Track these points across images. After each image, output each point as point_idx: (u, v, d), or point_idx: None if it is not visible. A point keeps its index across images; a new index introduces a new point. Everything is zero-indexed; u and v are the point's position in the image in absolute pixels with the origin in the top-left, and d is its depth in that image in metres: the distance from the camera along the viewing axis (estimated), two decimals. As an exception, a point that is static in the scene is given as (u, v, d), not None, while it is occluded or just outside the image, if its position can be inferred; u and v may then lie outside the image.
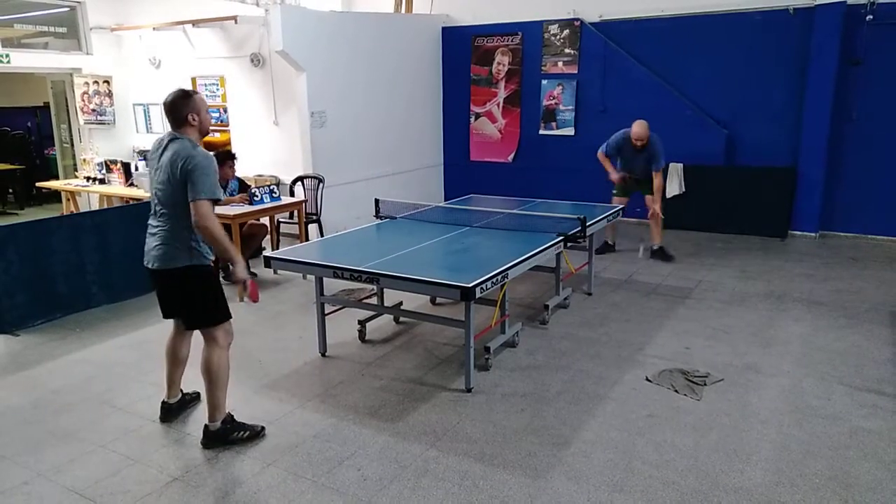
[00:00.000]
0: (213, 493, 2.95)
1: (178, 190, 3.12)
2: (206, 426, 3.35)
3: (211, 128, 3.33)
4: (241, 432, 3.36)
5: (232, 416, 3.40)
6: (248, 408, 3.73)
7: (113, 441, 3.41)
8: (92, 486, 3.02)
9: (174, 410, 3.63)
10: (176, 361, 3.59)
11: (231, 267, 3.30)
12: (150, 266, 3.28)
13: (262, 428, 3.45)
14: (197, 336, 3.44)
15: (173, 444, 3.37)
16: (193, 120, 3.20)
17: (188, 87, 8.55)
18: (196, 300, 3.30)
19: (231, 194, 6.21)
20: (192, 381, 3.68)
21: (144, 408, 3.76)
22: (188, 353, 3.61)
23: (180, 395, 3.68)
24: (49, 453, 3.31)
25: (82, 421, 3.63)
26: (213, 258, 3.31)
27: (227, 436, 3.33)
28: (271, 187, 6.37)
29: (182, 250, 3.20)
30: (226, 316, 3.36)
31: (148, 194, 6.78)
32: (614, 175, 6.61)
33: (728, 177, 7.68)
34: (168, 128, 3.29)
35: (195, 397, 3.78)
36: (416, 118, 8.99)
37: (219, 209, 5.74)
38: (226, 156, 6.22)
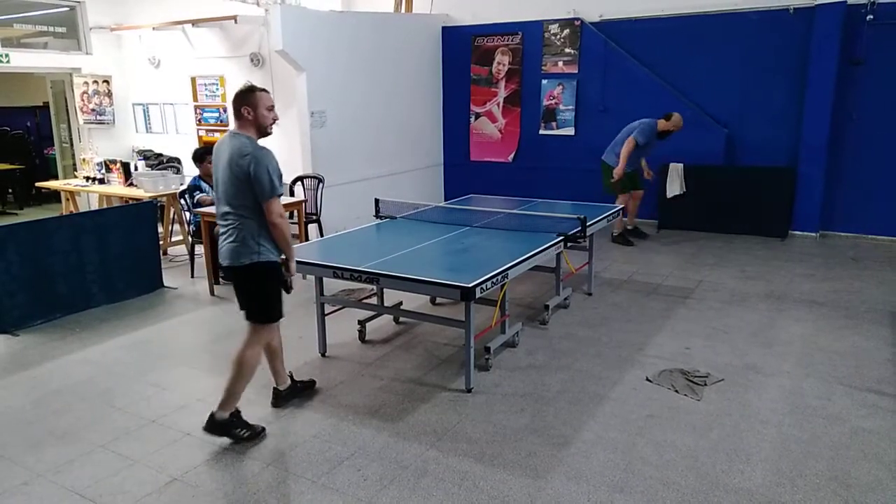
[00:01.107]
0: (212, 493, 2.95)
1: (241, 189, 3.17)
2: (212, 413, 3.35)
3: (271, 127, 3.34)
4: (244, 430, 3.38)
5: (239, 413, 3.43)
6: (249, 408, 3.72)
7: (113, 441, 3.41)
8: (92, 486, 3.02)
9: (285, 397, 3.72)
10: (272, 352, 3.65)
11: (287, 262, 3.41)
12: (222, 263, 3.36)
13: (263, 429, 3.46)
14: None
15: (173, 444, 3.37)
16: (248, 115, 3.22)
17: (189, 87, 8.61)
18: (257, 296, 3.37)
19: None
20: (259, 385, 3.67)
21: (144, 408, 3.76)
22: (280, 340, 3.68)
23: (289, 382, 3.75)
24: (49, 453, 3.31)
25: (82, 421, 3.63)
26: (280, 256, 3.37)
27: (229, 429, 3.35)
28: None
29: (247, 248, 3.26)
30: (279, 315, 3.46)
31: (148, 194, 6.87)
32: (620, 171, 6.94)
33: (728, 177, 7.68)
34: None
35: (309, 385, 3.88)
36: (416, 118, 8.99)
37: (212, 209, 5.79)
38: (207, 151, 6.19)
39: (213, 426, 3.35)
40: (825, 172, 7.28)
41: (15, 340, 4.86)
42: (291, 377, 3.81)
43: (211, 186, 6.14)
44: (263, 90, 3.32)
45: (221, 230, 3.35)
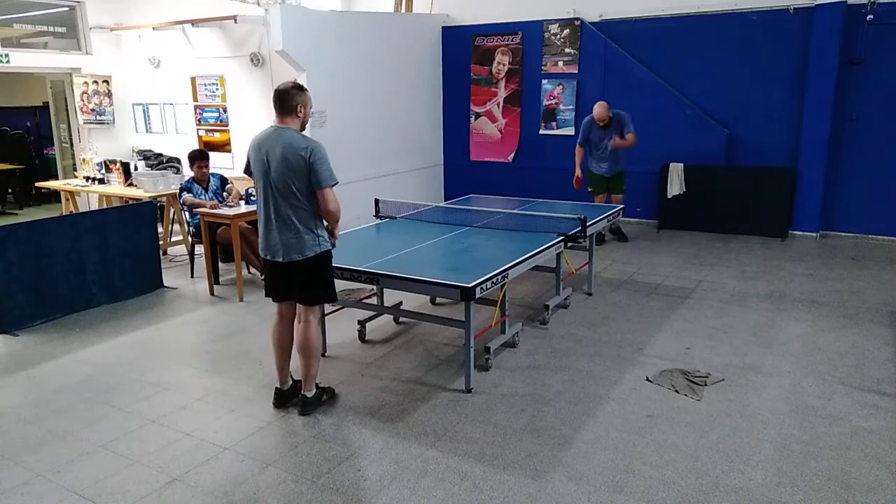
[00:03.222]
0: (213, 493, 2.95)
1: (299, 180, 3.28)
2: (303, 395, 3.62)
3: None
4: (326, 395, 3.73)
5: (318, 383, 3.70)
6: (249, 407, 3.73)
7: (113, 441, 3.40)
8: (92, 486, 3.02)
9: (286, 396, 3.73)
10: (283, 349, 3.68)
11: (333, 233, 3.58)
12: (280, 259, 3.42)
13: (334, 388, 3.82)
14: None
15: (173, 444, 3.37)
16: (300, 112, 3.38)
17: (189, 87, 8.61)
18: (322, 281, 3.54)
19: (214, 191, 6.19)
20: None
21: (144, 408, 3.76)
22: (291, 340, 3.70)
23: (291, 381, 3.76)
24: (49, 453, 3.31)
25: (82, 421, 3.63)
26: (329, 245, 3.52)
27: (320, 399, 3.68)
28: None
29: (310, 240, 3.40)
30: (336, 294, 3.71)
31: (148, 194, 6.86)
32: (577, 172, 7.19)
33: (728, 177, 7.68)
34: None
35: (331, 392, 3.88)
36: (417, 118, 8.99)
37: (218, 210, 5.79)
38: (198, 155, 6.21)
39: (308, 405, 3.61)
40: (825, 172, 7.29)
41: (15, 340, 4.86)
42: (292, 378, 3.79)
43: (204, 189, 6.16)
44: (307, 90, 3.46)
45: (267, 223, 3.42)
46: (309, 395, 3.63)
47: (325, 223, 3.49)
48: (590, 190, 7.27)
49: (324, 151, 3.32)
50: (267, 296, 3.68)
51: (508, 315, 4.45)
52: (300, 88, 3.39)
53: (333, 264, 3.60)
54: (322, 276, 3.54)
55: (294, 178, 3.29)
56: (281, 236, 3.39)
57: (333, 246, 3.59)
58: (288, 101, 3.34)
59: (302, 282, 3.50)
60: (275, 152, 3.30)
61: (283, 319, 3.67)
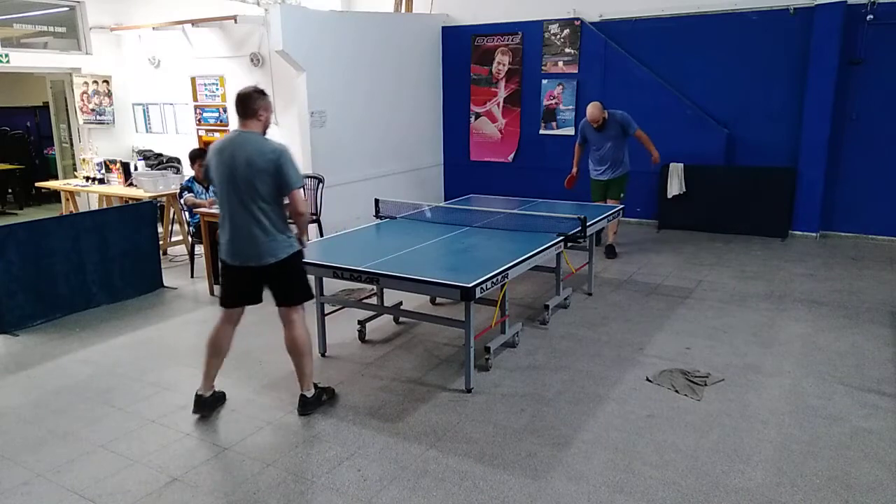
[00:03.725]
0: (213, 493, 2.95)
1: (266, 183, 3.29)
2: (302, 395, 3.63)
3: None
4: (326, 395, 3.73)
5: (317, 383, 3.71)
6: (249, 407, 3.73)
7: (113, 441, 3.41)
8: (92, 486, 3.02)
9: (207, 404, 3.66)
10: (218, 353, 3.64)
11: (300, 239, 3.61)
12: (253, 264, 3.41)
13: (333, 389, 3.82)
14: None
15: (173, 444, 3.37)
16: (261, 116, 3.40)
17: (189, 87, 8.61)
18: (298, 282, 3.56)
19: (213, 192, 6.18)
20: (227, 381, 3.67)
21: (144, 408, 3.76)
22: (230, 347, 3.67)
23: (213, 391, 3.71)
24: (49, 453, 3.31)
25: (82, 421, 3.63)
26: (299, 246, 3.54)
27: (319, 399, 3.68)
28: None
29: (281, 242, 3.40)
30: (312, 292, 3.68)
31: (148, 194, 6.87)
32: (573, 170, 7.00)
33: (728, 177, 7.68)
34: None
35: (222, 397, 3.80)
36: (416, 118, 8.99)
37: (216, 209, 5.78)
38: (199, 154, 6.18)
39: (307, 405, 3.62)
40: (825, 172, 7.28)
41: (15, 340, 4.86)
42: (214, 389, 3.73)
43: (205, 188, 6.15)
44: (268, 95, 3.49)
45: (235, 229, 3.39)
46: (308, 394, 3.63)
47: (294, 226, 3.51)
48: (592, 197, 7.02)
49: (290, 154, 3.35)
50: (222, 304, 3.59)
51: (508, 315, 4.45)
52: (261, 93, 3.41)
53: (333, 264, 3.61)
54: (298, 276, 3.56)
55: (262, 181, 3.29)
56: (254, 241, 3.37)
57: (304, 246, 3.62)
58: (250, 105, 3.35)
59: (279, 284, 3.51)
60: (240, 156, 3.29)
61: (228, 323, 3.61)
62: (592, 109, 6.62)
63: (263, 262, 3.40)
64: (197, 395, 3.64)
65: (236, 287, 3.56)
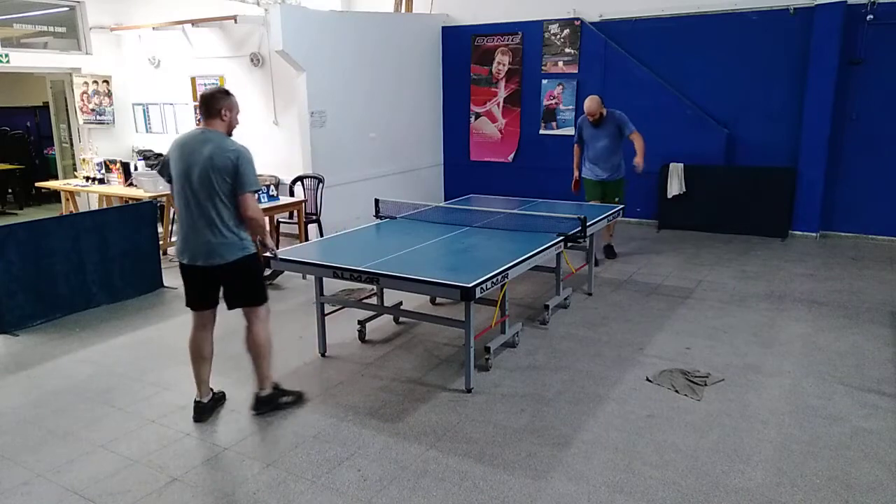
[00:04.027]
0: (213, 493, 2.95)
1: (222, 182, 3.25)
2: (256, 394, 3.60)
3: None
4: (288, 397, 3.67)
5: (278, 384, 3.69)
6: (246, 412, 3.73)
7: (113, 441, 3.40)
8: (92, 486, 3.02)
9: (208, 409, 3.64)
10: (202, 359, 3.61)
11: (264, 243, 3.65)
12: (200, 263, 3.36)
13: (303, 393, 3.75)
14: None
15: (173, 444, 3.37)
16: (225, 116, 3.37)
17: (189, 87, 8.61)
18: (250, 285, 3.50)
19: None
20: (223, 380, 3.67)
21: (144, 408, 3.76)
22: (212, 350, 3.65)
23: (211, 394, 3.70)
24: (49, 453, 3.31)
25: (82, 421, 3.63)
26: (254, 248, 3.49)
27: (276, 399, 3.62)
28: (269, 186, 6.36)
29: (236, 242, 3.36)
30: (267, 293, 3.62)
31: (148, 194, 6.86)
32: (575, 174, 6.81)
33: (728, 177, 7.68)
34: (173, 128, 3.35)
35: (222, 397, 3.79)
36: (416, 118, 8.99)
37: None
38: None
39: (260, 404, 3.58)
40: (825, 172, 7.28)
41: (15, 340, 4.86)
42: (213, 391, 3.72)
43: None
44: (233, 95, 3.46)
45: (189, 226, 3.35)
46: (262, 393, 3.60)
47: (250, 231, 3.44)
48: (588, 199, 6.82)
49: (250, 156, 3.32)
50: (187, 305, 3.56)
51: (508, 315, 4.45)
52: (226, 93, 3.39)
53: (334, 264, 3.60)
54: (249, 279, 3.48)
55: (219, 179, 3.24)
56: (204, 239, 3.32)
57: (273, 255, 3.70)
58: (213, 104, 3.32)
59: (228, 287, 3.47)
60: (200, 152, 3.25)
61: (203, 329, 3.57)
62: (590, 102, 6.45)
63: (211, 262, 3.34)
64: (196, 402, 3.62)
65: (191, 287, 3.51)
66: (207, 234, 3.32)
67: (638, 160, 6.36)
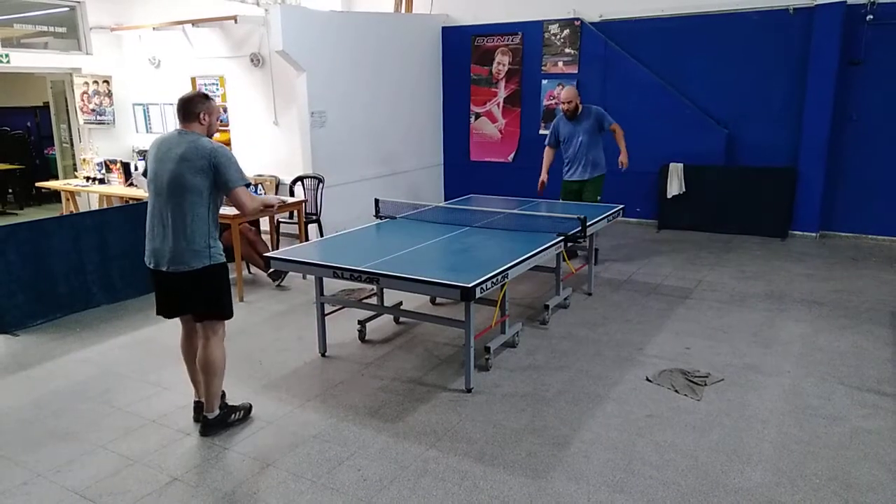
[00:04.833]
0: (213, 493, 2.95)
1: (197, 184, 3.16)
2: (204, 416, 3.46)
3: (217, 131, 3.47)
4: (237, 413, 3.55)
5: (226, 402, 3.57)
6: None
7: (113, 441, 3.41)
8: (92, 486, 3.02)
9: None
10: (193, 361, 3.56)
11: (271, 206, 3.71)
12: (164, 268, 3.25)
13: (250, 405, 3.65)
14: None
15: (173, 444, 3.37)
16: (203, 119, 3.29)
17: (189, 86, 8.61)
18: (213, 298, 3.35)
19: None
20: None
21: (144, 408, 3.76)
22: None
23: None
24: (49, 453, 3.31)
25: (82, 421, 3.63)
26: (223, 259, 3.38)
27: (225, 420, 3.49)
28: (258, 185, 6.33)
29: (203, 249, 3.24)
30: (232, 311, 3.48)
31: (147, 194, 6.84)
32: (543, 176, 6.50)
33: (728, 177, 7.68)
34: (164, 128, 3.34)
35: (222, 396, 3.75)
36: (417, 118, 8.99)
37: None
38: None
39: (209, 426, 3.43)
40: (825, 172, 7.28)
41: (15, 340, 4.86)
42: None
43: None
44: (213, 99, 3.42)
45: (156, 228, 3.25)
46: (210, 416, 3.43)
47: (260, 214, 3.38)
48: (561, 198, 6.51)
49: (229, 153, 3.25)
50: (157, 313, 3.47)
51: (508, 315, 4.46)
52: (205, 97, 3.33)
53: (333, 264, 3.57)
54: (212, 291, 3.32)
55: (192, 180, 3.14)
56: (169, 245, 3.20)
57: (278, 202, 3.69)
58: (190, 108, 3.25)
59: (190, 296, 3.32)
60: (174, 152, 3.17)
61: (187, 331, 3.52)
62: (568, 91, 6.23)
63: (174, 268, 3.22)
64: (195, 402, 3.62)
65: (159, 293, 3.42)
66: (175, 238, 3.19)
67: (623, 154, 6.22)
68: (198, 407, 3.60)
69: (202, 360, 3.38)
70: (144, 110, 9.30)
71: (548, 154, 6.58)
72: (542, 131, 8.73)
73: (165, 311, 3.47)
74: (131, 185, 7.34)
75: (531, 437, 3.36)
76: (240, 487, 2.99)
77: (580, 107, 6.30)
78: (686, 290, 5.71)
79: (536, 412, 3.62)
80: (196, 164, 3.14)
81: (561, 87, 8.49)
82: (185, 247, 3.20)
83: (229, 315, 3.43)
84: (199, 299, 3.33)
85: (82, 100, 9.02)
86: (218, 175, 3.17)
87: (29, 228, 5.12)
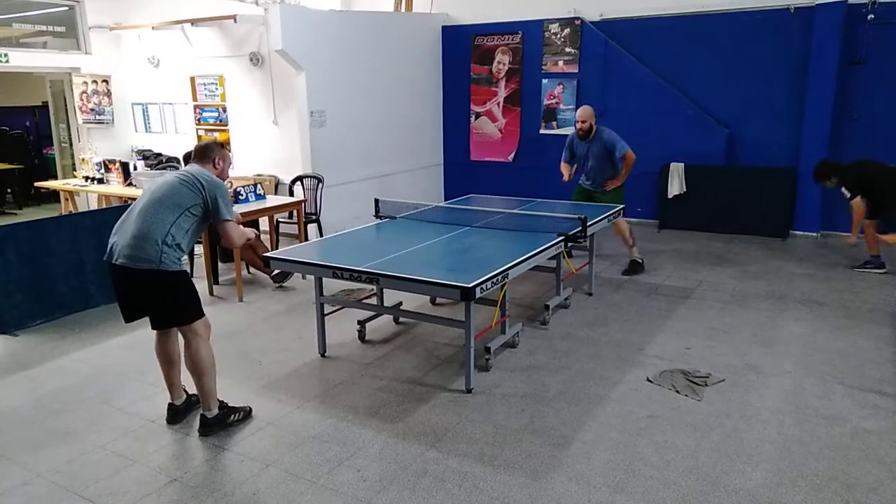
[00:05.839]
0: (213, 494, 2.94)
1: (197, 203, 3.30)
2: (202, 416, 3.46)
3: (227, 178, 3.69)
4: (237, 414, 3.54)
5: (225, 403, 3.56)
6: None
7: (113, 441, 3.40)
8: (92, 486, 3.02)
9: (181, 412, 3.61)
10: (170, 363, 3.57)
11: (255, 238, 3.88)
12: (117, 261, 3.29)
13: (250, 408, 3.65)
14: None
15: (173, 444, 3.37)
16: (218, 164, 3.54)
17: (188, 87, 8.61)
18: (171, 302, 3.34)
19: None
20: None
21: (144, 408, 3.76)
22: (179, 351, 3.58)
23: (185, 396, 3.66)
24: (49, 453, 3.30)
25: (82, 421, 3.63)
26: (185, 266, 3.40)
27: (224, 420, 3.49)
28: (256, 186, 6.33)
29: (170, 254, 3.25)
30: (201, 309, 3.44)
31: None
32: (565, 178, 6.29)
33: (729, 177, 7.67)
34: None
35: (198, 400, 3.75)
36: (416, 118, 8.98)
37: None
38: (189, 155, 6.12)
39: (208, 426, 3.43)
40: (826, 172, 7.27)
41: (14, 340, 4.85)
42: (186, 392, 3.68)
43: None
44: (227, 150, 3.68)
45: (129, 221, 3.33)
46: (209, 415, 3.43)
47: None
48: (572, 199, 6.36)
49: (226, 189, 3.44)
50: (125, 320, 3.45)
51: (508, 315, 4.45)
52: (220, 146, 3.62)
53: (333, 264, 3.57)
54: (171, 296, 3.31)
55: (182, 190, 3.27)
56: (132, 236, 3.22)
57: (257, 235, 3.84)
58: (207, 152, 3.52)
59: (148, 301, 3.33)
60: (181, 170, 3.43)
61: (165, 335, 3.50)
62: (581, 111, 6.08)
63: (136, 264, 3.18)
64: (169, 404, 3.60)
65: (117, 293, 3.41)
66: (140, 231, 3.20)
67: (617, 179, 6.06)
68: (171, 409, 3.60)
69: (189, 362, 3.40)
70: (143, 110, 9.29)
71: (564, 168, 6.32)
72: (542, 131, 8.75)
73: (126, 312, 3.45)
74: (130, 184, 7.32)
75: (531, 437, 3.36)
76: (239, 488, 2.99)
77: (594, 127, 6.07)
78: (687, 291, 5.70)
79: (537, 412, 3.61)
80: (196, 182, 3.31)
81: (562, 86, 8.51)
82: (150, 244, 3.18)
83: (196, 317, 3.38)
84: (158, 304, 3.34)
85: (81, 99, 9.01)
86: (212, 205, 3.33)
87: (28, 228, 5.12)
